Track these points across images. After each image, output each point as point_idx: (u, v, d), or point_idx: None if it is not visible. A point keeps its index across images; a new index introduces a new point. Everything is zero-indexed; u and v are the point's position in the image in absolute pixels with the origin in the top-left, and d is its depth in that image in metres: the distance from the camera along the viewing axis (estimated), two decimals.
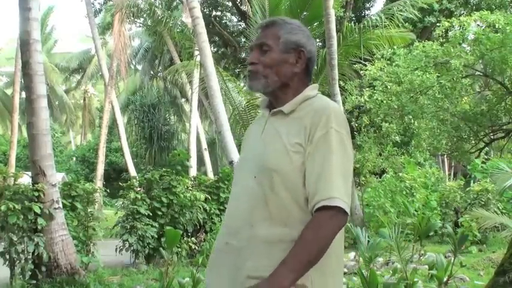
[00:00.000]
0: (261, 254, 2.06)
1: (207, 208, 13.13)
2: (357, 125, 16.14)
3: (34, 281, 9.13)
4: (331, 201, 1.95)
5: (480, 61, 13.92)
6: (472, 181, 18.51)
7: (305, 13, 17.50)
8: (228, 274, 2.14)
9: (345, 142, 2.06)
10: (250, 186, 2.15)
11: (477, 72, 14.54)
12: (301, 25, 2.37)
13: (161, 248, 10.27)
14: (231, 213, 2.26)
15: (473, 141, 15.10)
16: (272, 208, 2.08)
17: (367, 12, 28.75)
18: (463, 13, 22.53)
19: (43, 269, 9.29)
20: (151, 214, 12.20)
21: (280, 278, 1.91)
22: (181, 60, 26.96)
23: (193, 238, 12.47)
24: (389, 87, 13.93)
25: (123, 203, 12.69)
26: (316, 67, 17.92)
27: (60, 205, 9.65)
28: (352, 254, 12.21)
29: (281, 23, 2.33)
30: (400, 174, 16.13)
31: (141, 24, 32.46)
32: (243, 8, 30.30)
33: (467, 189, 17.00)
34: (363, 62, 15.70)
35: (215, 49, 32.06)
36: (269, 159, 2.12)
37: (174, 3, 33.85)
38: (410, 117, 14.14)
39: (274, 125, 2.22)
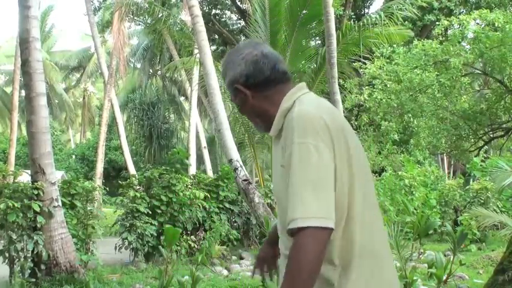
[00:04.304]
0: (283, 265, 2.08)
1: (207, 206, 13.13)
2: (356, 123, 16.14)
3: (33, 279, 9.13)
4: (294, 224, 1.85)
5: (479, 59, 13.93)
6: (471, 179, 18.50)
7: (304, 11, 17.48)
8: None
9: (309, 149, 1.90)
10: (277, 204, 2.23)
11: (476, 71, 14.56)
12: (228, 58, 2.30)
13: (160, 246, 10.28)
14: None
15: (472, 140, 15.13)
16: (283, 225, 2.06)
17: (366, 10, 28.77)
18: (463, 11, 22.56)
19: (42, 267, 9.29)
20: (150, 212, 12.20)
21: None
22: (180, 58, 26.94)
23: (192, 236, 12.47)
24: (388, 85, 13.95)
25: (122, 201, 12.69)
26: (315, 65, 18.01)
27: (60, 203, 9.64)
28: None
29: (222, 73, 2.31)
30: (400, 172, 16.11)
31: (140, 23, 32.43)
32: (243, 6, 30.33)
33: (467, 187, 17.00)
34: (362, 60, 15.71)
35: (215, 47, 32.05)
36: (273, 187, 2.21)
37: (172, 1, 33.76)
38: (410, 115, 14.16)
39: (274, 152, 2.24)
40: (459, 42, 13.62)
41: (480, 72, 14.70)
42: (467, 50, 13.53)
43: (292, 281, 1.84)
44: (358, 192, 1.99)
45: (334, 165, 1.93)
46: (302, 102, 2.09)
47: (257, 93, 2.18)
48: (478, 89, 17.13)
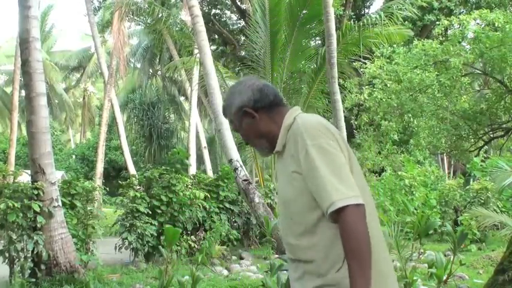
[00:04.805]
0: (290, 269, 2.54)
1: (207, 206, 13.13)
2: (356, 123, 16.14)
3: (33, 279, 9.13)
4: (334, 206, 2.15)
5: (479, 59, 13.92)
6: (471, 179, 18.50)
7: (304, 11, 17.48)
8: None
9: (323, 147, 2.28)
10: (282, 212, 2.54)
11: (476, 71, 14.55)
12: (232, 89, 2.69)
13: (160, 247, 10.27)
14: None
15: (472, 140, 15.12)
16: (290, 229, 2.46)
17: (366, 10, 28.77)
18: (463, 11, 22.54)
19: (42, 267, 9.28)
20: (150, 212, 12.20)
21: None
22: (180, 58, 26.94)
23: (192, 236, 12.47)
24: (388, 85, 13.93)
25: (122, 201, 12.69)
26: (315, 65, 18.01)
27: (60, 203, 9.64)
28: None
29: (225, 105, 2.68)
30: (400, 172, 16.12)
31: (140, 23, 32.42)
32: (243, 6, 30.32)
33: (467, 187, 17.00)
34: (362, 60, 15.71)
35: (214, 47, 32.04)
36: (280, 194, 2.54)
37: (172, 1, 33.77)
38: (410, 115, 14.15)
39: (278, 164, 2.58)
40: (459, 42, 13.61)
41: (480, 72, 14.69)
42: (467, 50, 13.51)
43: (356, 254, 2.13)
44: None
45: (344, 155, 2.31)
46: (302, 116, 2.46)
47: (263, 115, 2.56)
48: (478, 89, 17.12)
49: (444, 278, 7.58)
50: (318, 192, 2.24)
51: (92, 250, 11.03)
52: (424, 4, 18.20)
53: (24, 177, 10.55)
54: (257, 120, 2.56)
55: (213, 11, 32.89)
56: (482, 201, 15.33)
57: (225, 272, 10.45)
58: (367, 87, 14.66)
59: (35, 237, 9.19)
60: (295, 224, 2.40)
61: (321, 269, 2.30)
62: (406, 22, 18.12)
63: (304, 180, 2.33)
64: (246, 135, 2.64)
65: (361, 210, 2.16)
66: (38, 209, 9.17)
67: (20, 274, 9.30)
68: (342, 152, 2.32)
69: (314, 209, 2.30)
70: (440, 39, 14.42)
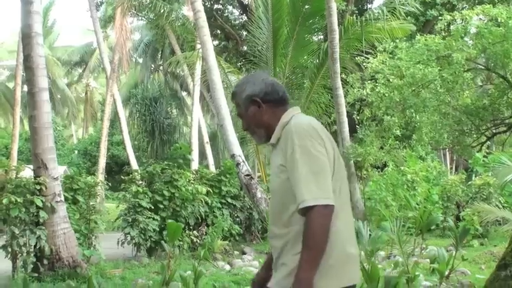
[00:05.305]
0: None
1: (209, 201, 13.15)
2: (358, 118, 16.10)
3: (36, 274, 9.16)
4: (304, 203, 2.43)
5: (482, 55, 13.86)
6: (473, 175, 18.49)
7: (307, 6, 17.48)
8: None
9: (308, 148, 2.51)
10: (270, 202, 2.88)
11: (479, 66, 14.49)
12: (246, 78, 2.98)
13: (163, 241, 10.30)
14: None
15: (475, 135, 15.06)
16: (277, 216, 2.71)
17: (369, 5, 28.70)
18: (465, 7, 22.48)
19: (45, 262, 9.32)
20: (153, 207, 12.22)
21: (303, 276, 2.42)
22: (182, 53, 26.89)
23: (194, 231, 12.50)
24: (391, 80, 13.89)
25: (124, 196, 12.70)
26: (318, 60, 17.99)
27: (62, 198, 9.67)
28: None
29: (236, 91, 2.91)
30: (402, 167, 16.07)
31: (142, 18, 32.39)
32: (245, 1, 30.28)
33: (469, 183, 16.99)
34: (365, 55, 15.68)
35: (217, 42, 31.99)
36: (270, 184, 2.81)
37: None
38: (412, 110, 14.09)
39: (272, 156, 2.82)
40: (462, 38, 13.55)
41: (483, 67, 14.62)
42: (469, 45, 13.45)
43: (310, 248, 2.42)
44: (334, 184, 2.56)
45: (328, 159, 2.55)
46: (298, 117, 2.72)
47: (268, 107, 2.80)
48: (481, 84, 17.07)
49: (446, 273, 7.59)
50: (294, 188, 2.49)
51: (95, 245, 11.06)
52: None
53: (27, 172, 10.58)
54: (262, 111, 2.79)
55: (215, 6, 32.81)
56: (484, 197, 15.32)
57: (227, 267, 10.46)
58: (369, 82, 14.60)
59: (37, 232, 9.22)
60: (279, 213, 2.67)
61: (288, 258, 2.58)
62: (409, 17, 18.08)
63: (287, 173, 2.57)
64: (248, 122, 2.86)
65: (327, 212, 2.44)
66: (40, 204, 9.20)
67: (23, 269, 9.33)
68: (327, 156, 2.55)
69: (294, 202, 2.52)
70: (443, 34, 14.34)
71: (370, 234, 7.73)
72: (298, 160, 2.50)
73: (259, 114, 2.81)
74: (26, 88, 11.06)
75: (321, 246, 2.43)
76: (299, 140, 2.53)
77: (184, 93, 43.17)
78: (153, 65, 43.83)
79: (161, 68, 43.64)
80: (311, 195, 2.42)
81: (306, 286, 2.42)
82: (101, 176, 25.03)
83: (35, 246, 9.28)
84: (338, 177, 2.62)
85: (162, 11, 19.49)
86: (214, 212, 13.36)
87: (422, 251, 10.38)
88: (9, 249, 9.33)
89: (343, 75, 15.74)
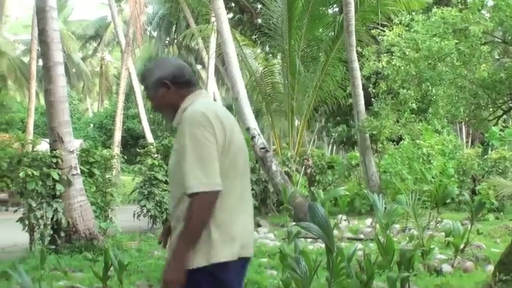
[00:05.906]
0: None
1: None
2: (374, 91, 16.01)
3: (53, 246, 9.28)
4: (189, 190, 2.59)
5: (499, 28, 13.70)
6: (489, 149, 18.35)
7: None
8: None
9: (197, 137, 2.65)
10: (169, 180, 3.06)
11: (496, 39, 14.32)
12: (155, 63, 3.16)
13: None
14: None
15: (491, 109, 14.96)
16: (176, 196, 2.84)
17: None
18: None
19: (62, 234, 9.43)
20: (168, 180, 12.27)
21: (176, 251, 2.64)
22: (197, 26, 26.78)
23: None
24: (407, 53, 13.76)
25: (140, 169, 12.77)
26: (333, 33, 17.83)
27: (78, 171, 9.74)
28: (368, 221, 12.24)
29: (145, 75, 3.08)
30: (418, 141, 15.98)
31: None
32: None
33: (485, 157, 16.87)
34: (381, 28, 15.53)
35: (231, 15, 31.79)
36: (169, 165, 2.96)
37: None
38: (428, 84, 13.98)
39: (175, 137, 2.92)
40: (479, 10, 13.36)
41: (500, 40, 14.45)
42: (487, 18, 13.28)
43: (186, 229, 2.60)
44: (228, 169, 2.72)
45: (217, 147, 2.68)
46: (195, 104, 2.85)
47: (177, 90, 2.95)
48: (498, 57, 16.85)
49: (461, 246, 7.58)
50: (183, 173, 2.64)
51: (111, 217, 11.17)
52: None
53: (43, 146, 10.66)
54: (171, 92, 2.95)
55: None
56: (500, 171, 15.24)
57: None
58: (385, 55, 14.47)
59: (54, 205, 9.32)
60: (172, 192, 2.89)
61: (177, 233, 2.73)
62: None
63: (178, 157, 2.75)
64: (157, 103, 3.02)
65: (209, 197, 2.59)
66: (57, 177, 9.28)
67: (40, 241, 9.45)
68: (216, 144, 2.67)
69: (183, 184, 2.66)
70: (460, 7, 14.16)
71: (385, 208, 7.73)
72: (186, 146, 2.64)
73: (168, 95, 2.95)
74: (41, 62, 11.09)
75: (197, 231, 2.60)
76: (189, 127, 2.68)
77: (199, 67, 43.09)
78: (167, 39, 43.71)
79: (175, 41, 43.48)
80: (196, 181, 2.58)
81: (177, 260, 2.61)
82: (116, 149, 25.11)
83: (51, 218, 9.37)
84: (234, 162, 2.76)
85: None
86: None
87: (438, 225, 10.37)
88: (27, 222, 9.44)
89: (359, 48, 15.61)
